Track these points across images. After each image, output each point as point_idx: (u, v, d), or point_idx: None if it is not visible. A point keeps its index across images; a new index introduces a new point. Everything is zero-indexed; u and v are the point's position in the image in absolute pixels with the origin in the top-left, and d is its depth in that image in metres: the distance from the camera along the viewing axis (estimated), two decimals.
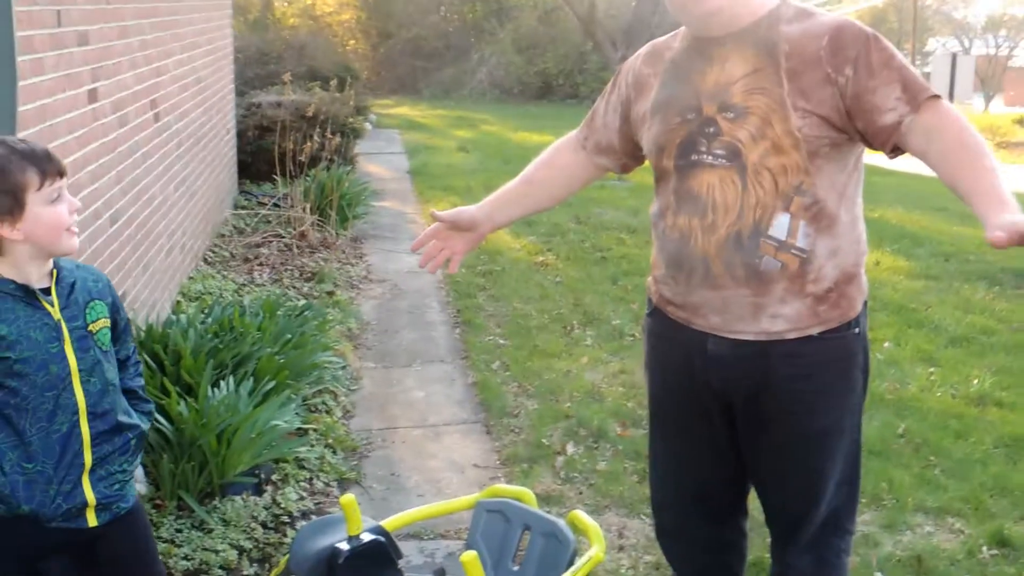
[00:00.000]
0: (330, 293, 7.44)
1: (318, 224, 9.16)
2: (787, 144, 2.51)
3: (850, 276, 2.67)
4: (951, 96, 25.26)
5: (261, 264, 8.16)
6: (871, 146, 2.59)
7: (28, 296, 2.30)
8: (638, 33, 21.17)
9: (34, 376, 2.29)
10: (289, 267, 8.12)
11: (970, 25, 54.19)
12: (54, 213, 2.28)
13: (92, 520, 2.41)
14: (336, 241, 9.04)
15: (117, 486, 2.45)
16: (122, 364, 2.56)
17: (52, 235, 2.29)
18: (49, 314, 2.33)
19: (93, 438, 2.37)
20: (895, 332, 6.82)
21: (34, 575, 2.46)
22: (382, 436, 5.11)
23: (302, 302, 6.49)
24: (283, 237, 8.92)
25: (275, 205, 9.80)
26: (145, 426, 2.58)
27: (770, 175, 2.54)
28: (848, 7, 39.54)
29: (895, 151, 2.54)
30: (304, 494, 4.34)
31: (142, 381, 2.69)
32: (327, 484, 4.48)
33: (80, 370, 2.36)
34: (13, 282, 2.28)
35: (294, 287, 7.51)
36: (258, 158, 10.83)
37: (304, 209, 9.24)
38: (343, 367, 5.85)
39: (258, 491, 4.26)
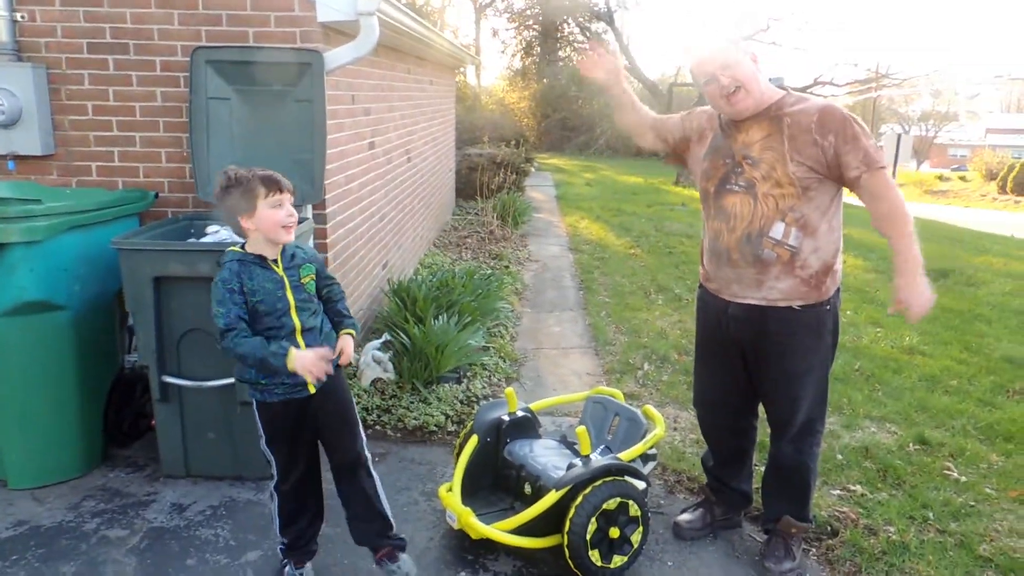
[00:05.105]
0: (506, 266, 7.35)
1: (500, 226, 9.11)
2: (785, 181, 2.41)
3: (828, 267, 2.50)
4: (896, 161, 23.62)
5: (466, 248, 8.14)
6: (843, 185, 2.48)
7: (263, 262, 2.26)
8: None
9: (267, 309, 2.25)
10: (482, 251, 8.06)
11: (909, 116, 51.79)
12: (273, 214, 2.22)
13: (311, 389, 2.35)
14: (511, 236, 8.95)
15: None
16: (328, 300, 2.43)
17: (271, 228, 2.22)
18: (276, 272, 2.28)
19: (306, 344, 2.29)
20: (854, 305, 6.37)
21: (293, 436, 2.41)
22: (533, 353, 5.01)
23: (489, 271, 6.44)
24: (479, 233, 8.88)
25: (476, 214, 9.81)
26: (353, 330, 2.44)
27: (773, 199, 2.44)
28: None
29: (855, 191, 2.44)
30: (485, 385, 4.29)
31: (346, 303, 2.50)
32: (499, 380, 4.42)
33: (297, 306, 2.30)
34: (253, 254, 2.25)
35: (485, 262, 7.44)
36: (467, 185, 10.84)
37: (492, 216, 9.22)
38: (512, 311, 5.78)
39: (458, 382, 4.24)
